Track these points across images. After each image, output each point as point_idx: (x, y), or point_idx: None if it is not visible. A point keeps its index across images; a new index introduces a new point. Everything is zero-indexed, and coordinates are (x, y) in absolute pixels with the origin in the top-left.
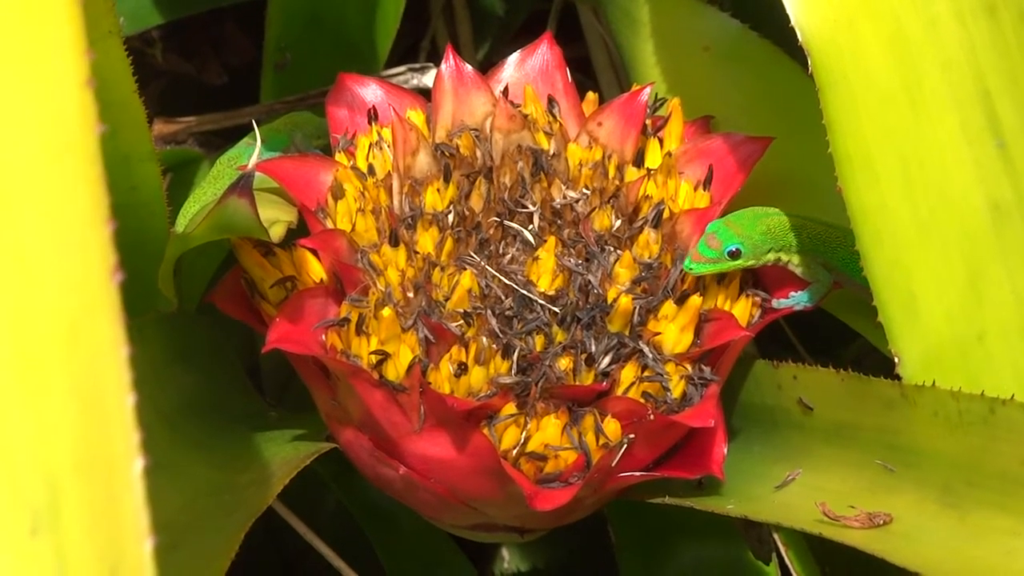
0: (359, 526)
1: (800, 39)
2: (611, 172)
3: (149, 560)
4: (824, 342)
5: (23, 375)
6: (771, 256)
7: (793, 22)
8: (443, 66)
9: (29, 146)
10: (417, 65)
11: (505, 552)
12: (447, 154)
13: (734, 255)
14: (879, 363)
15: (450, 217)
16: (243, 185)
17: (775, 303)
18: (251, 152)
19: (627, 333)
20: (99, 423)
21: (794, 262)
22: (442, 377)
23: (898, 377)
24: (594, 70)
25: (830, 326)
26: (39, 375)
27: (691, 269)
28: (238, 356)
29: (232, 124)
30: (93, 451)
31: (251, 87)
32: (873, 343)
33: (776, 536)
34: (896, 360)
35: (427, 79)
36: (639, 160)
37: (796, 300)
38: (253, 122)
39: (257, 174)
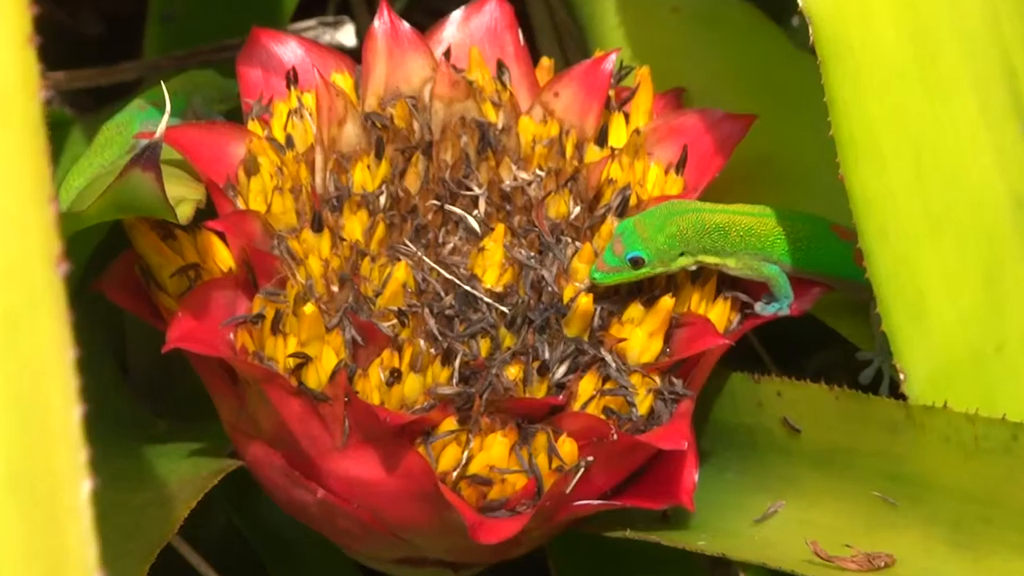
0: (253, 552)
1: (801, 5)
2: (569, 151)
3: None
4: (788, 350)
5: None
6: (685, 261)
7: None
8: (376, 22)
9: None
10: (329, 18)
11: None
12: (379, 125)
13: (636, 263)
14: (850, 376)
15: (382, 199)
16: (148, 156)
17: (757, 307)
18: (144, 117)
19: (586, 338)
20: (40, 437)
21: (729, 265)
22: (371, 385)
23: (903, 396)
24: (533, 33)
25: (795, 332)
26: None
27: (595, 280)
28: (113, 356)
29: (109, 82)
30: (33, 470)
31: (132, 39)
32: (858, 347)
33: None
34: (901, 376)
35: (341, 35)
36: (602, 138)
37: (776, 306)
38: (162, 83)
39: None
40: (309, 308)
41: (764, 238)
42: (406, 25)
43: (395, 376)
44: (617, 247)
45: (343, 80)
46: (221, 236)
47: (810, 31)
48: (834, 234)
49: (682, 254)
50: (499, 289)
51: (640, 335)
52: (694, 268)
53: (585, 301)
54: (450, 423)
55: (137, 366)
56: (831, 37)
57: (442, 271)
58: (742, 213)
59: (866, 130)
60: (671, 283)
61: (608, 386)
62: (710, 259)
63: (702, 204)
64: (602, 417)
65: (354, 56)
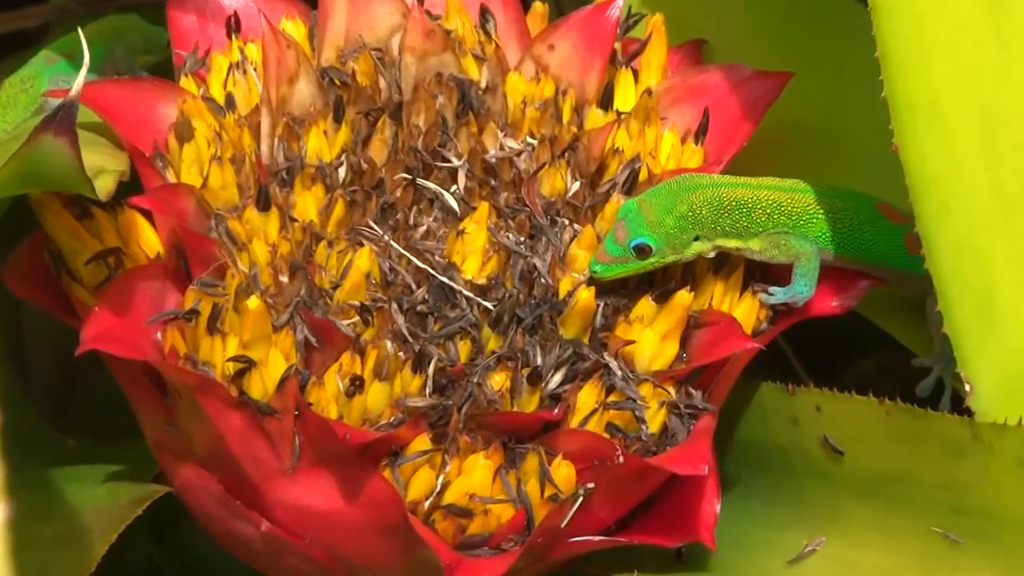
0: None
1: None
2: (567, 115)
3: None
4: (826, 354)
5: None
6: (700, 247)
7: None
8: None
9: None
10: None
11: None
12: (338, 82)
13: (642, 252)
14: (903, 387)
15: (341, 171)
16: (61, 119)
17: (763, 297)
18: (54, 71)
19: (587, 341)
20: None
21: (752, 248)
22: (328, 396)
23: (969, 411)
24: None
25: (835, 333)
26: None
27: (595, 273)
28: (10, 357)
29: (8, 30)
30: None
31: None
32: (912, 352)
33: None
34: (966, 387)
35: None
36: (606, 99)
37: (791, 292)
38: (79, 30)
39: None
40: (253, 302)
41: (795, 218)
42: None
43: (356, 385)
44: (620, 233)
45: (295, 28)
46: (147, 215)
47: None
48: (880, 215)
49: (697, 238)
50: (482, 281)
51: (651, 337)
52: (712, 255)
53: (585, 296)
54: (422, 442)
55: (39, 372)
56: None
57: (413, 259)
58: (768, 188)
59: (926, 91)
60: (688, 274)
61: (612, 398)
62: (730, 243)
63: (718, 177)
64: (605, 435)
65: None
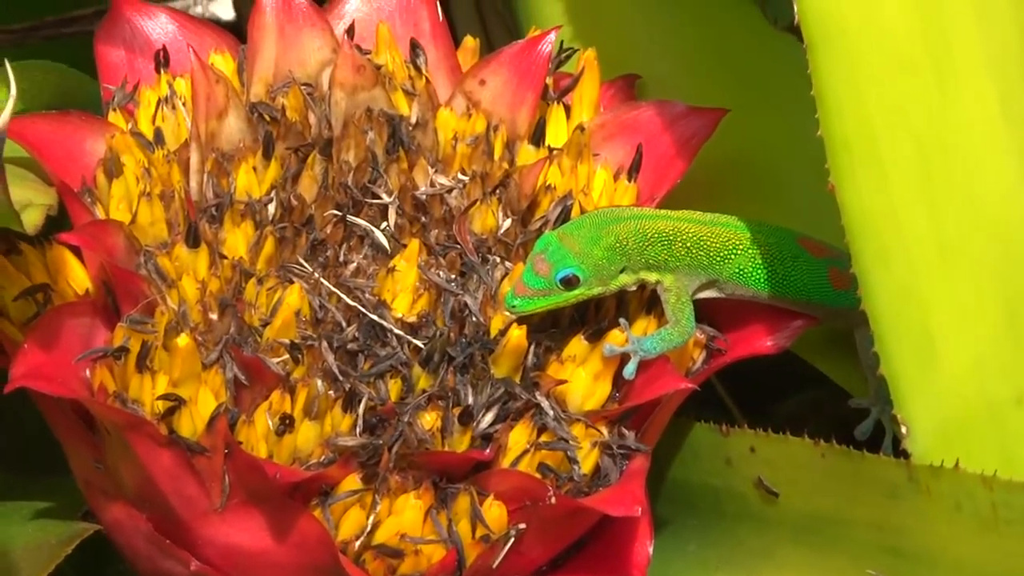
0: None
1: None
2: (498, 151)
3: None
4: (756, 392)
5: None
6: (625, 279)
7: None
8: None
9: None
10: None
11: None
12: (267, 118)
13: (570, 283)
14: (837, 425)
15: (271, 208)
16: None
17: (607, 350)
18: None
19: (518, 380)
20: None
21: (664, 283)
22: (258, 435)
23: (906, 454)
24: (450, 8)
25: (765, 371)
26: None
27: (513, 307)
28: None
29: None
30: None
31: None
32: (842, 388)
33: None
34: (903, 429)
35: (217, 8)
36: (538, 136)
37: (635, 346)
38: (6, 62)
39: None
40: (183, 340)
41: (714, 253)
42: None
43: (286, 424)
44: (541, 266)
45: (224, 62)
46: (76, 251)
47: (794, 7)
48: (803, 249)
49: (623, 270)
50: (412, 319)
51: (583, 376)
52: (634, 288)
53: (517, 334)
54: (352, 481)
55: None
56: (820, 13)
57: (343, 296)
58: (689, 221)
59: (863, 130)
60: (621, 312)
61: (544, 438)
62: (652, 276)
63: (638, 210)
64: (537, 476)
65: (236, 32)
